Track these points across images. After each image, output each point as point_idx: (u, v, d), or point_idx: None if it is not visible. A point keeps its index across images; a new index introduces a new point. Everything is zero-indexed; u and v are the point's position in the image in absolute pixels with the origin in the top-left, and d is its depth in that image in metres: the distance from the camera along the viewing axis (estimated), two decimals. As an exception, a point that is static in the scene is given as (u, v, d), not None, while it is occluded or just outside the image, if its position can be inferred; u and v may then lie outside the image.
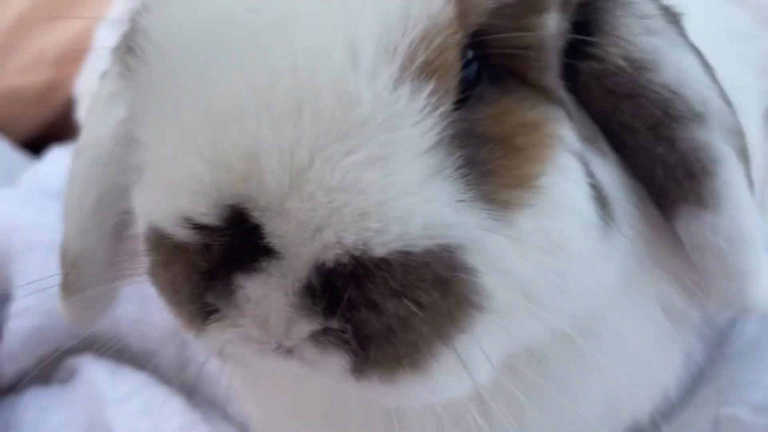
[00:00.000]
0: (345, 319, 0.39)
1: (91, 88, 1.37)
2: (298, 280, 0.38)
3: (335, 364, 0.40)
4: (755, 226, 0.47)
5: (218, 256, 0.39)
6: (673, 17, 0.49)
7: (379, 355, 0.40)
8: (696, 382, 0.69)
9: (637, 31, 0.47)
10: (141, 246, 0.47)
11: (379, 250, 0.37)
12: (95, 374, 0.93)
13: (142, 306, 0.96)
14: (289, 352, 0.41)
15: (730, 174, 0.47)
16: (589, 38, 0.47)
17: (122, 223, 0.58)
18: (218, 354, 0.46)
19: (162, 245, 0.42)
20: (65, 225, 0.60)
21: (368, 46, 0.36)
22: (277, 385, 0.60)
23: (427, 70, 0.37)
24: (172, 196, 0.40)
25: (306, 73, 0.36)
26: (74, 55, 1.45)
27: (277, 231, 0.37)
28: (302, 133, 0.36)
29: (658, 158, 0.47)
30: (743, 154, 0.48)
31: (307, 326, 0.39)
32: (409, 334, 0.39)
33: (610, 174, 0.47)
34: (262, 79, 0.37)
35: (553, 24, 0.44)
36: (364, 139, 0.36)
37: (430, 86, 0.37)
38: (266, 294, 0.39)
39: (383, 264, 0.37)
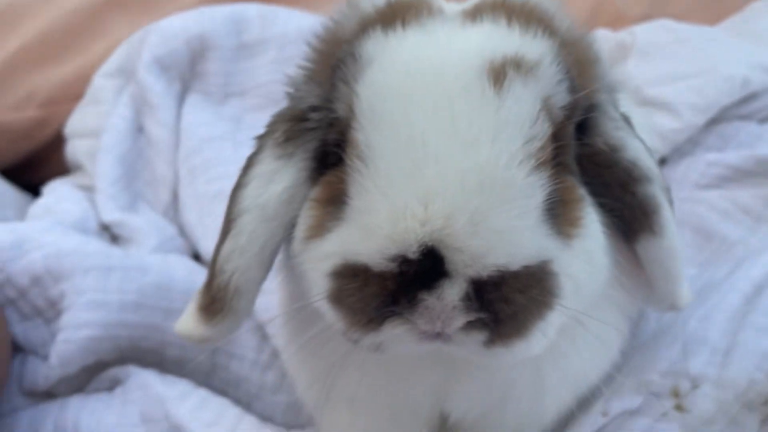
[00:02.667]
0: (488, 310, 0.61)
1: (84, 129, 1.52)
2: (462, 290, 0.60)
3: (475, 339, 0.63)
4: (681, 246, 0.78)
5: (410, 279, 0.60)
6: (628, 119, 0.81)
7: (504, 330, 0.62)
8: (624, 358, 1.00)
9: (611, 128, 0.75)
10: (318, 278, 0.66)
11: (513, 267, 0.60)
12: (148, 379, 1.08)
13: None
14: (438, 336, 0.63)
15: (667, 213, 0.75)
16: (582, 136, 0.76)
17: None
18: (375, 348, 0.66)
19: (359, 274, 0.62)
20: (228, 263, 0.74)
21: (517, 156, 0.62)
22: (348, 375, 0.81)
23: (544, 164, 0.64)
24: (388, 240, 0.60)
25: (483, 169, 0.60)
26: (65, 96, 1.58)
27: (456, 261, 0.59)
28: (480, 203, 0.60)
29: (627, 204, 0.74)
30: (671, 201, 0.78)
31: (463, 318, 0.61)
32: (524, 316, 0.62)
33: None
34: (457, 173, 0.60)
35: (572, 128, 0.74)
36: (514, 205, 0.61)
37: (548, 171, 0.64)
38: (441, 302, 0.60)
39: (514, 275, 0.60)
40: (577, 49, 0.75)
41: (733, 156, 1.54)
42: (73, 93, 1.57)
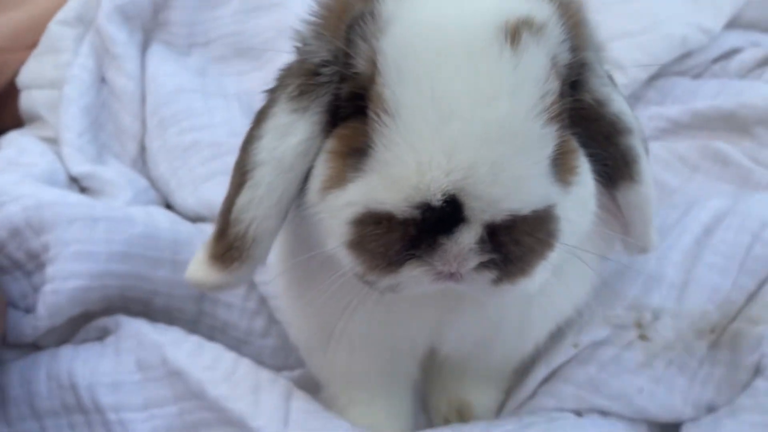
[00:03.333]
0: (499, 251, 0.66)
1: (42, 80, 1.47)
2: (477, 234, 0.64)
3: (486, 277, 0.68)
4: (654, 192, 0.86)
5: (431, 224, 0.65)
6: (611, 77, 0.88)
7: (512, 269, 0.67)
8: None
9: (598, 84, 0.82)
10: (338, 226, 0.70)
11: (524, 212, 0.65)
12: (141, 327, 1.09)
13: (174, 270, 1.16)
14: (452, 276, 0.68)
15: (645, 162, 0.82)
16: (573, 92, 0.82)
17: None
18: (391, 289, 0.71)
19: (382, 221, 0.66)
20: (245, 212, 0.76)
21: (533, 110, 0.67)
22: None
23: (554, 118, 0.69)
24: (414, 189, 0.64)
25: (504, 123, 0.65)
26: (16, 44, 1.51)
27: (474, 207, 0.63)
28: (500, 153, 0.65)
29: (610, 154, 0.81)
30: (647, 151, 0.86)
31: (477, 258, 0.66)
32: (531, 256, 0.67)
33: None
34: (480, 125, 0.65)
35: (568, 84, 0.79)
36: (529, 156, 0.67)
37: (556, 125, 0.69)
38: (458, 245, 0.65)
39: (524, 218, 0.65)
40: (571, 11, 0.81)
41: (671, 110, 1.68)
42: (26, 41, 1.50)
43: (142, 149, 1.44)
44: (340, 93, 0.76)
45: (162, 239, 1.15)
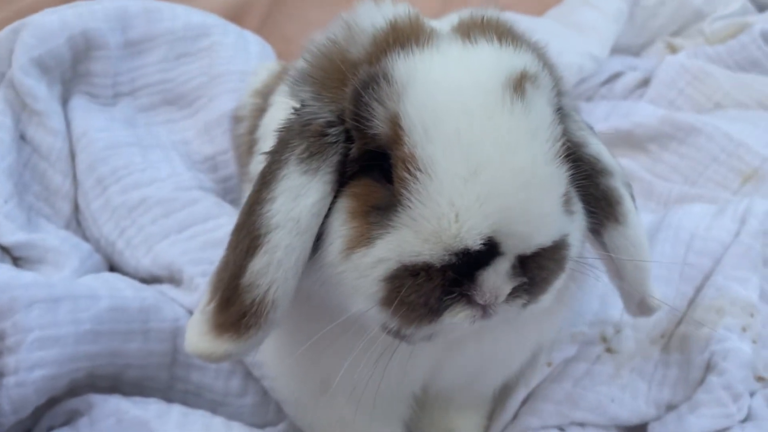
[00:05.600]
0: (528, 277, 0.72)
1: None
2: (510, 263, 0.71)
3: (518, 303, 0.74)
4: (645, 238, 0.91)
5: (469, 264, 0.70)
6: (588, 124, 0.93)
7: (537, 291, 0.74)
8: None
9: (574, 128, 0.89)
10: (368, 284, 0.73)
11: (547, 244, 0.72)
12: (119, 404, 1.03)
13: (146, 340, 1.11)
14: (487, 313, 0.73)
15: (629, 204, 0.87)
16: None
17: None
18: (427, 338, 0.75)
19: (419, 272, 0.70)
20: (263, 277, 0.76)
21: (548, 155, 0.73)
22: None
23: (561, 158, 0.75)
24: (453, 238, 0.69)
25: (525, 169, 0.71)
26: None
27: (508, 243, 0.69)
28: (527, 195, 0.70)
29: (591, 195, 0.88)
30: (632, 196, 0.92)
31: (510, 285, 0.71)
32: (551, 277, 0.75)
33: None
34: (506, 173, 0.70)
35: None
36: (550, 195, 0.73)
37: (566, 165, 0.76)
38: (496, 273, 0.70)
39: (547, 248, 0.73)
40: (547, 60, 0.88)
41: (574, 133, 1.84)
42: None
43: (75, 209, 1.35)
44: (349, 152, 0.78)
45: (130, 310, 1.09)
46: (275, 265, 0.76)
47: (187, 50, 1.50)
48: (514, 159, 0.71)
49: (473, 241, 0.69)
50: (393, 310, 0.72)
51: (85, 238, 1.34)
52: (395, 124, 0.73)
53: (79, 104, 1.41)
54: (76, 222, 1.36)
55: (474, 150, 0.71)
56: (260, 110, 1.30)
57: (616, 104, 1.99)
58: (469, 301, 0.73)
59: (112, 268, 1.33)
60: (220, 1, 1.87)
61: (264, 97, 1.33)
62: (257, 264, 0.76)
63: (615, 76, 2.12)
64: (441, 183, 0.70)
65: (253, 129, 1.30)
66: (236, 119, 1.45)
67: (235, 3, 1.89)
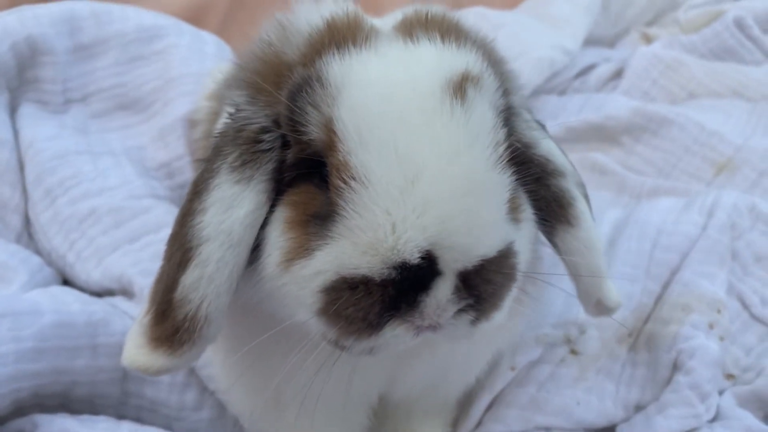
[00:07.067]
0: (472, 294, 0.68)
1: None
2: (453, 284, 0.67)
3: (465, 321, 0.69)
4: (599, 239, 0.88)
5: (409, 283, 0.66)
6: (540, 124, 0.90)
7: (486, 307, 0.69)
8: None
9: (524, 128, 0.85)
10: (307, 295, 0.69)
11: (491, 255, 0.68)
12: (64, 424, 0.99)
13: (94, 355, 1.07)
14: (431, 327, 0.69)
15: (582, 205, 0.84)
16: None
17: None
18: (368, 351, 0.70)
19: (357, 285, 0.66)
20: (194, 292, 0.72)
21: (490, 160, 0.69)
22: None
23: (507, 164, 0.71)
24: (392, 251, 0.65)
25: (467, 176, 0.67)
26: None
27: (447, 258, 0.65)
28: (468, 204, 0.66)
29: (542, 197, 0.85)
30: (586, 196, 0.89)
31: (455, 307, 0.68)
32: (501, 291, 0.70)
33: None
34: (445, 181, 0.66)
35: None
36: (493, 202, 0.69)
37: (508, 170, 0.72)
38: (437, 298, 0.66)
39: (492, 260, 0.68)
40: (494, 57, 0.84)
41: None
42: None
43: (26, 222, 1.31)
44: (285, 159, 0.74)
45: (76, 325, 1.05)
46: (207, 280, 0.73)
47: (141, 53, 1.46)
48: (452, 166, 0.68)
49: (410, 254, 0.66)
50: (331, 321, 0.69)
51: (38, 251, 1.30)
52: (330, 129, 0.70)
53: (27, 112, 1.36)
54: (28, 235, 1.31)
55: (410, 157, 0.67)
56: (216, 114, 1.26)
57: (589, 97, 1.96)
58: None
59: (66, 281, 1.29)
60: (180, 2, 1.83)
61: (220, 100, 1.29)
62: (188, 278, 0.73)
63: (588, 68, 2.09)
64: (376, 192, 0.67)
65: (209, 133, 1.26)
66: (192, 123, 1.41)
67: (196, 3, 1.85)
